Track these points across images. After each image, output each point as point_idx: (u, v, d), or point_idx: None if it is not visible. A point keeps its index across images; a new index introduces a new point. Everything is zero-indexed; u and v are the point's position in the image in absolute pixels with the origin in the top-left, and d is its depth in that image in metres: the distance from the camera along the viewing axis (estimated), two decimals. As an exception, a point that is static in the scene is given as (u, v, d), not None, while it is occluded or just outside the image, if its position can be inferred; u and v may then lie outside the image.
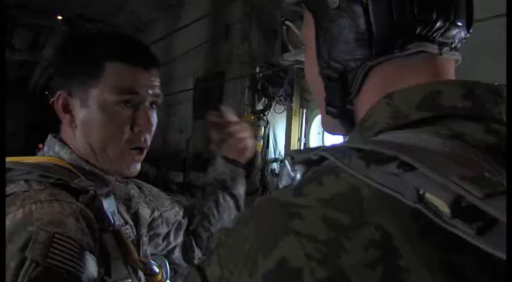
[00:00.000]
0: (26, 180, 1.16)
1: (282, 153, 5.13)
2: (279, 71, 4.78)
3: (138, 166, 1.36)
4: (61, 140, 1.33)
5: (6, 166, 1.17)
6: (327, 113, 0.80)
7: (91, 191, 1.17)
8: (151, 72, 1.33)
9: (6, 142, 1.19)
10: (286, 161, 0.71)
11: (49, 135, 1.35)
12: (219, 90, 5.90)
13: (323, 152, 0.63)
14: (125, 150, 1.29)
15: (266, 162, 5.14)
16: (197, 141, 6.43)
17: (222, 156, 1.69)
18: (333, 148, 0.63)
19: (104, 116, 1.26)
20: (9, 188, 1.13)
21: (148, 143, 1.35)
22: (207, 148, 5.97)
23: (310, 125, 4.94)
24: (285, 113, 5.03)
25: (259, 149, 5.04)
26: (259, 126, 5.02)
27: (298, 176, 0.68)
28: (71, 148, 1.31)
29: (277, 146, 5.25)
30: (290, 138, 4.96)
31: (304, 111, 4.96)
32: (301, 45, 4.13)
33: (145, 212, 1.48)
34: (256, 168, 5.06)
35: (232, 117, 1.63)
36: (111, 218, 1.19)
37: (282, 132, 5.13)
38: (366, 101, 0.73)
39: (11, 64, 11.55)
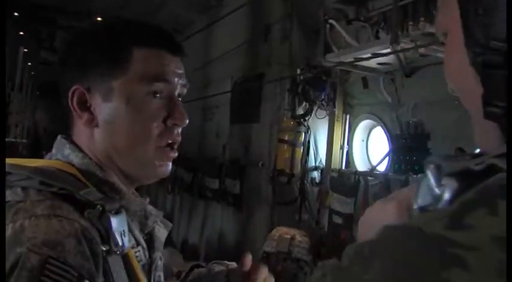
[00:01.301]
0: (23, 188, 1.03)
1: (323, 161, 4.87)
2: (321, 74, 4.55)
3: (170, 165, 1.24)
4: (72, 142, 1.20)
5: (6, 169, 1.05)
6: (487, 116, 0.58)
7: (98, 206, 1.04)
8: (178, 60, 1.24)
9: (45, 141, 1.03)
10: (428, 172, 0.52)
11: (58, 136, 1.23)
12: (258, 94, 5.70)
13: (495, 159, 0.46)
14: (157, 148, 1.19)
15: (306, 170, 4.92)
16: (234, 147, 6.28)
17: None
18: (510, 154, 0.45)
19: (133, 110, 1.15)
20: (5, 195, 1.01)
21: (180, 137, 1.24)
22: (244, 154, 5.82)
23: (354, 132, 4.74)
24: (326, 118, 4.82)
25: (299, 157, 4.84)
26: (299, 132, 4.83)
27: (447, 196, 0.49)
28: (83, 151, 1.18)
29: (318, 153, 5.04)
30: (332, 145, 4.76)
31: (348, 117, 4.75)
32: (345, 47, 3.90)
33: (161, 233, 1.28)
34: (295, 177, 4.86)
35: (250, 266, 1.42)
36: (119, 239, 1.05)
37: (324, 139, 4.91)
38: None
39: (54, 66, 11.66)
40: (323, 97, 4.64)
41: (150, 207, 1.24)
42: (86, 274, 0.94)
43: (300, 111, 4.84)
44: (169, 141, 1.20)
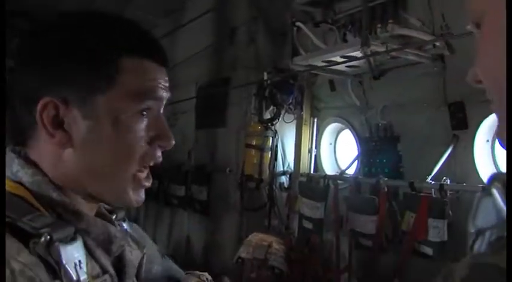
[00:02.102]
0: None
1: (292, 165, 4.83)
2: (288, 77, 4.49)
3: (144, 195, 1.07)
4: (23, 156, 1.00)
5: None
6: None
7: (45, 235, 0.86)
8: (165, 70, 1.08)
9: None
10: (494, 190, 0.46)
11: (7, 149, 1.01)
12: (224, 98, 5.62)
13: None
14: (136, 174, 1.02)
15: (274, 175, 4.88)
16: (200, 153, 6.19)
17: None
18: None
19: (118, 130, 0.98)
20: None
21: (161, 160, 1.07)
22: (210, 160, 5.75)
23: (322, 136, 4.72)
24: (294, 122, 4.77)
25: (267, 162, 4.79)
26: (266, 137, 4.78)
27: None
28: (36, 166, 0.98)
29: (286, 158, 5.00)
30: (300, 149, 4.72)
31: (315, 120, 4.72)
32: (313, 49, 3.87)
33: (134, 255, 1.12)
34: (263, 182, 4.80)
35: None
36: (73, 272, 0.87)
37: (292, 143, 4.87)
38: None
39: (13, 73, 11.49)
40: (290, 101, 4.60)
41: (114, 230, 1.05)
42: None
43: (267, 115, 4.79)
44: (152, 163, 1.05)
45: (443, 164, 3.25)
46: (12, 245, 0.84)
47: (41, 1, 7.52)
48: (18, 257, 0.83)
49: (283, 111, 4.72)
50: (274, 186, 4.87)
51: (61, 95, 0.96)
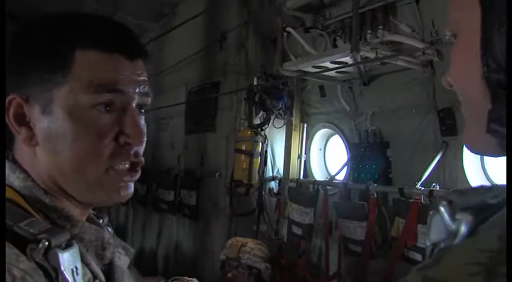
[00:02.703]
0: None
1: (281, 171, 4.82)
2: (278, 83, 4.49)
3: (131, 188, 1.04)
4: (14, 161, 0.99)
5: None
6: (489, 131, 0.58)
7: (43, 240, 0.84)
8: (137, 64, 1.01)
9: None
10: (441, 208, 0.52)
11: None
12: (214, 103, 5.62)
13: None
14: (109, 169, 0.97)
15: (264, 180, 4.87)
16: (189, 158, 6.18)
17: None
18: None
19: (77, 125, 0.94)
20: None
21: (142, 158, 1.03)
22: (200, 165, 5.73)
23: (311, 141, 4.72)
24: (284, 127, 4.78)
25: (257, 167, 4.77)
26: (256, 142, 4.74)
27: (463, 229, 0.49)
28: (25, 172, 0.97)
29: (276, 163, 5.00)
30: (290, 155, 4.73)
31: (305, 126, 4.73)
32: (303, 55, 3.88)
33: (122, 261, 1.10)
34: (253, 187, 4.78)
35: None
36: (70, 278, 0.86)
37: (281, 149, 4.88)
38: None
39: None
40: (280, 106, 4.59)
41: (107, 236, 1.03)
42: None
43: (257, 120, 4.77)
44: (126, 163, 1.00)
45: (432, 170, 3.26)
46: (10, 251, 0.82)
47: (30, 4, 7.50)
48: (18, 264, 0.81)
49: (273, 117, 4.71)
50: (263, 192, 4.86)
51: (24, 91, 0.96)
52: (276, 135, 4.92)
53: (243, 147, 4.74)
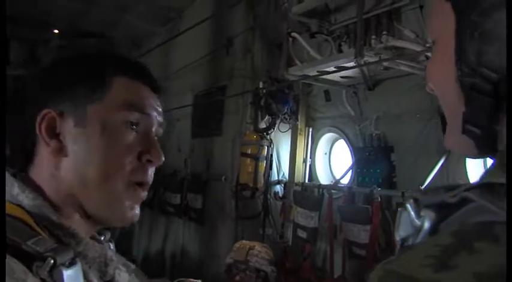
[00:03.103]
0: None
1: (286, 174, 4.85)
2: (283, 87, 4.52)
3: (138, 211, 1.12)
4: (23, 179, 1.04)
5: None
6: (464, 132, 0.63)
7: (49, 258, 0.89)
8: (157, 98, 1.17)
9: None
10: (408, 205, 0.56)
11: (6, 173, 1.04)
12: (220, 107, 5.65)
13: (466, 192, 0.49)
14: (129, 184, 1.06)
15: (269, 184, 4.91)
16: (196, 161, 6.22)
17: None
18: (480, 186, 0.48)
19: (107, 139, 1.04)
20: None
21: (151, 180, 1.13)
22: (206, 168, 5.76)
23: (317, 145, 4.76)
24: (289, 132, 4.81)
25: (262, 170, 4.81)
26: (262, 146, 4.80)
27: (427, 225, 0.53)
28: (36, 191, 1.02)
29: (281, 167, 5.03)
30: (295, 159, 4.75)
31: (310, 130, 4.77)
32: (308, 60, 3.91)
33: (122, 278, 1.15)
34: (258, 191, 4.82)
35: None
36: None
37: (286, 153, 4.91)
38: None
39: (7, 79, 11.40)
40: (286, 110, 4.62)
41: (110, 253, 1.09)
42: None
43: (263, 124, 4.82)
44: (142, 180, 1.10)
45: (436, 174, 3.29)
46: (19, 267, 0.86)
47: (33, 8, 7.56)
48: (26, 279, 0.86)
49: (278, 121, 4.74)
50: (268, 195, 4.89)
51: (58, 107, 1.04)
52: (281, 139, 4.95)
53: (249, 151, 4.78)
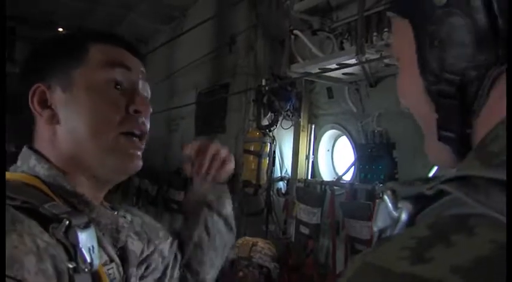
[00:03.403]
0: None
1: (289, 171, 4.86)
2: (286, 84, 4.55)
3: (140, 160, 1.18)
4: (37, 153, 1.12)
5: None
6: (440, 138, 0.65)
7: (64, 220, 0.96)
8: (140, 62, 1.24)
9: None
10: (385, 196, 0.56)
11: (24, 147, 1.15)
12: (223, 104, 5.68)
13: (443, 184, 0.49)
14: (120, 136, 1.13)
15: (272, 181, 4.92)
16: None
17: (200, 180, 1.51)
18: (457, 178, 0.49)
19: (93, 99, 1.11)
20: None
21: (147, 128, 1.19)
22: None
23: (319, 142, 4.75)
24: (292, 128, 4.81)
25: (265, 167, 4.83)
26: (264, 143, 4.82)
27: (404, 217, 0.54)
28: (49, 161, 1.11)
29: (284, 163, 5.04)
30: (298, 155, 4.76)
31: (313, 127, 4.77)
32: (310, 57, 3.93)
33: (135, 246, 1.23)
34: (261, 188, 4.84)
35: (203, 144, 1.53)
36: (87, 255, 0.97)
37: (289, 149, 4.91)
38: (489, 120, 0.57)
39: (12, 77, 11.42)
40: (288, 107, 4.63)
41: (122, 220, 1.16)
42: None
43: (266, 121, 4.83)
44: (135, 131, 1.15)
45: (437, 170, 3.30)
46: (35, 225, 0.93)
47: (37, 7, 7.59)
48: (42, 236, 0.92)
49: (281, 118, 4.75)
50: (271, 192, 4.91)
51: (47, 80, 1.13)
52: (284, 136, 4.96)
53: (252, 148, 4.80)
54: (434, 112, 0.64)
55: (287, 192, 4.79)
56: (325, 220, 4.12)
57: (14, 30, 9.18)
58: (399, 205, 0.55)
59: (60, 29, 8.91)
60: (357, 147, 4.14)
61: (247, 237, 4.02)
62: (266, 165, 4.84)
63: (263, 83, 4.76)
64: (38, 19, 8.40)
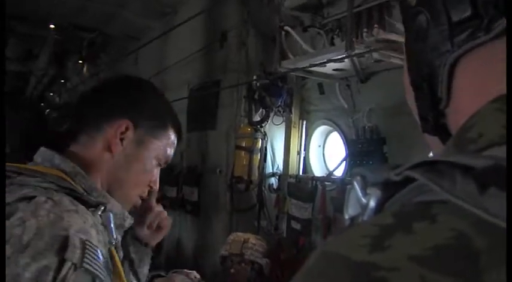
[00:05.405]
0: (45, 188, 1.20)
1: (281, 167, 4.88)
2: (277, 80, 4.54)
3: (139, 202, 1.57)
4: (69, 156, 1.39)
5: (13, 170, 1.23)
6: (421, 129, 0.67)
7: (100, 206, 1.28)
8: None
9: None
10: (355, 182, 0.54)
11: (41, 148, 1.39)
12: (214, 100, 5.67)
13: (409, 171, 0.47)
14: (137, 195, 1.50)
15: (263, 176, 4.94)
16: (191, 155, 6.24)
17: (134, 235, 1.77)
18: (424, 164, 0.47)
19: (144, 164, 1.46)
20: (24, 192, 1.16)
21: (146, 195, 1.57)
22: (201, 161, 5.78)
23: (311, 138, 4.77)
24: (283, 124, 4.84)
25: (256, 163, 4.84)
26: (256, 139, 4.82)
27: (372, 204, 0.52)
28: (72, 162, 1.36)
29: (275, 159, 5.06)
30: (289, 151, 4.78)
31: (304, 123, 4.78)
32: (301, 53, 3.94)
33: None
34: (253, 184, 4.85)
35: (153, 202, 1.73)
36: (114, 233, 1.30)
37: (281, 145, 4.93)
38: (459, 108, 0.59)
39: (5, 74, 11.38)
40: (280, 103, 4.64)
41: (127, 213, 1.46)
42: (106, 258, 1.18)
43: (257, 117, 4.83)
44: (143, 197, 1.53)
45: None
46: (84, 208, 1.22)
47: (29, 4, 7.56)
48: (88, 216, 1.21)
49: (272, 114, 4.76)
50: (263, 188, 4.92)
51: (135, 121, 1.43)
52: (275, 132, 4.98)
53: (243, 144, 4.81)
54: (416, 107, 0.67)
55: (279, 188, 4.80)
56: (316, 215, 4.13)
57: (6, 27, 9.15)
58: (368, 191, 0.53)
59: (52, 26, 8.90)
60: (348, 142, 4.16)
61: (238, 233, 4.03)
62: (257, 161, 4.85)
63: (254, 79, 4.75)
64: (30, 16, 8.38)
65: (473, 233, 0.39)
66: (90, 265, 1.08)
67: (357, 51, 3.30)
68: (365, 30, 3.36)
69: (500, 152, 0.45)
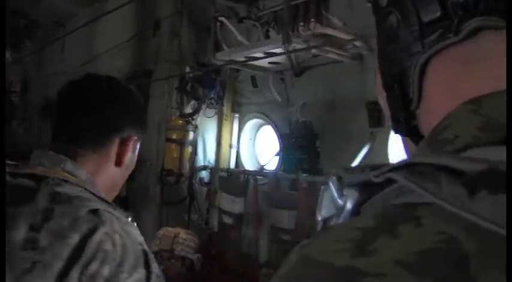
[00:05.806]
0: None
1: (212, 160, 4.82)
2: (210, 72, 4.47)
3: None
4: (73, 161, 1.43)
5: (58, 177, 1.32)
6: (395, 131, 0.66)
7: (129, 216, 1.37)
8: None
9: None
10: (330, 183, 0.52)
11: (51, 152, 1.41)
12: (145, 91, 5.54)
13: (390, 172, 0.45)
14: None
15: (194, 170, 4.87)
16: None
17: None
18: (406, 165, 0.45)
19: (132, 168, 1.57)
20: (91, 204, 1.28)
21: None
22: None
23: (242, 131, 4.76)
24: (215, 117, 4.79)
25: (187, 156, 4.77)
26: (187, 131, 4.75)
27: (349, 205, 0.51)
28: (84, 169, 1.43)
29: (207, 152, 4.99)
30: (221, 144, 4.77)
31: (237, 115, 4.75)
32: (236, 45, 3.90)
33: None
34: (184, 177, 4.77)
35: None
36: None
37: (212, 138, 4.89)
38: (430, 109, 0.58)
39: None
40: (212, 95, 4.60)
41: (129, 218, 1.50)
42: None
43: (189, 109, 4.77)
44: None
45: (360, 160, 3.34)
46: (122, 214, 1.34)
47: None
48: (125, 222, 1.32)
49: (204, 106, 4.71)
50: (194, 181, 4.86)
51: (138, 135, 1.53)
52: (207, 124, 4.92)
53: (174, 136, 4.73)
54: (388, 109, 0.66)
55: (210, 182, 4.75)
56: (248, 210, 4.11)
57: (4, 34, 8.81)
58: (344, 193, 0.52)
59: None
60: (281, 137, 4.15)
61: (168, 228, 3.94)
62: (188, 153, 4.78)
63: (187, 70, 4.67)
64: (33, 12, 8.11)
65: (463, 236, 0.38)
66: (158, 271, 1.29)
67: (295, 46, 3.27)
68: (301, 23, 3.35)
69: (483, 153, 0.43)
